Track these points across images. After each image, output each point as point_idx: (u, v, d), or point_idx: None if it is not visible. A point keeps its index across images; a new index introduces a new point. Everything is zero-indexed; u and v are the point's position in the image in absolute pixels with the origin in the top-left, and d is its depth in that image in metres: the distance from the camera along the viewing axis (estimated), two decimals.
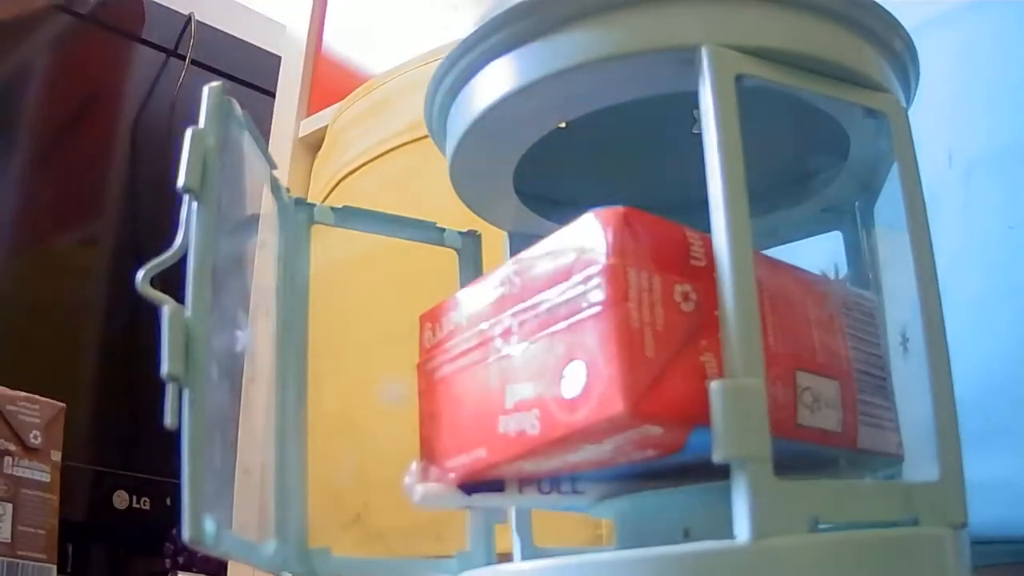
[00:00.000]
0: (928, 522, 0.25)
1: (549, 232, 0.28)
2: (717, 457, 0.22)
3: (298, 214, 0.37)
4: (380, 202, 0.48)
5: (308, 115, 0.84)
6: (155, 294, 0.26)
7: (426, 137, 0.36)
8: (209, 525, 0.25)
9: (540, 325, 0.26)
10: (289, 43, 0.90)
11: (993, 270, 0.42)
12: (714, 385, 0.23)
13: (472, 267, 0.38)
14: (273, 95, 0.88)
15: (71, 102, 1.07)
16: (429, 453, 0.30)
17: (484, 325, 0.28)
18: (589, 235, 0.25)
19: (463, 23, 0.73)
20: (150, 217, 1.04)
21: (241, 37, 1.18)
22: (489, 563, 0.34)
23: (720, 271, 0.24)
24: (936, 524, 0.25)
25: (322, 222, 0.37)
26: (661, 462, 0.26)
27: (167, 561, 0.91)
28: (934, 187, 0.45)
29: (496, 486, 0.29)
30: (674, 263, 0.25)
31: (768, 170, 0.35)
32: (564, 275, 0.26)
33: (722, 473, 0.23)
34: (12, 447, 0.68)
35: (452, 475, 0.29)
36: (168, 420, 0.25)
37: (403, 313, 0.33)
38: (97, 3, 1.08)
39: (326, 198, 0.77)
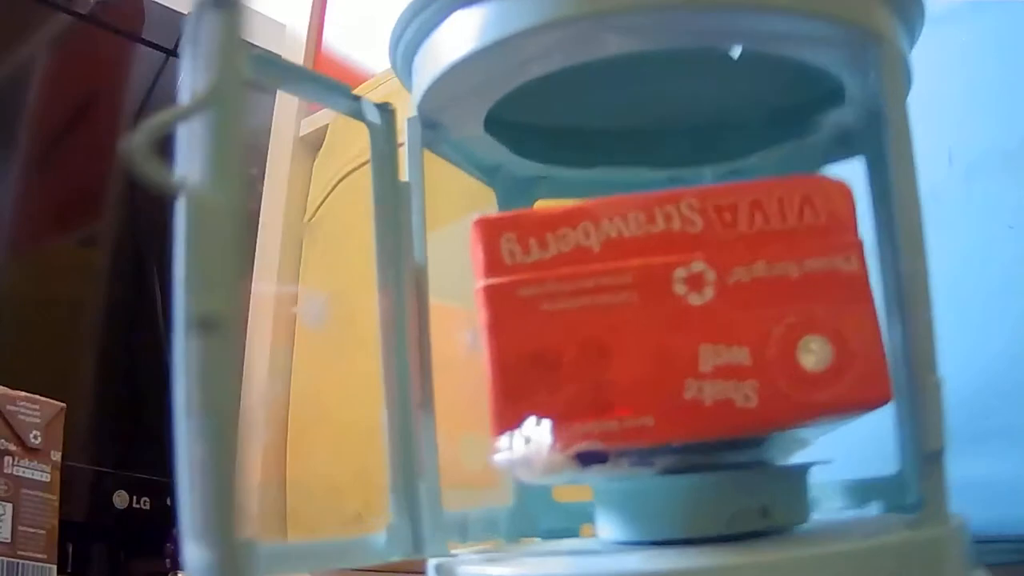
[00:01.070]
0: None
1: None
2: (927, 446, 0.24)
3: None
4: None
5: (308, 114, 0.84)
6: (158, 169, 0.20)
7: None
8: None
9: (762, 285, 0.23)
10: (289, 43, 0.90)
11: (993, 270, 0.42)
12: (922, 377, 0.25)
13: (386, 145, 0.33)
14: (273, 94, 0.88)
15: (71, 102, 1.07)
16: (525, 410, 0.24)
17: (650, 260, 0.24)
18: (834, 201, 0.24)
19: None
20: (150, 217, 1.04)
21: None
22: (418, 537, 0.30)
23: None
24: None
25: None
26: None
27: (167, 561, 0.91)
28: (934, 186, 0.45)
29: (601, 457, 0.24)
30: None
31: (771, 101, 0.34)
32: (798, 238, 0.24)
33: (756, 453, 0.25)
34: (12, 447, 0.68)
35: (591, 443, 0.23)
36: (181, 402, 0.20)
37: None
38: (97, 3, 1.08)
39: (327, 197, 0.77)
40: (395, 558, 0.30)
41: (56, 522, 0.72)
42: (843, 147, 0.33)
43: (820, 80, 0.30)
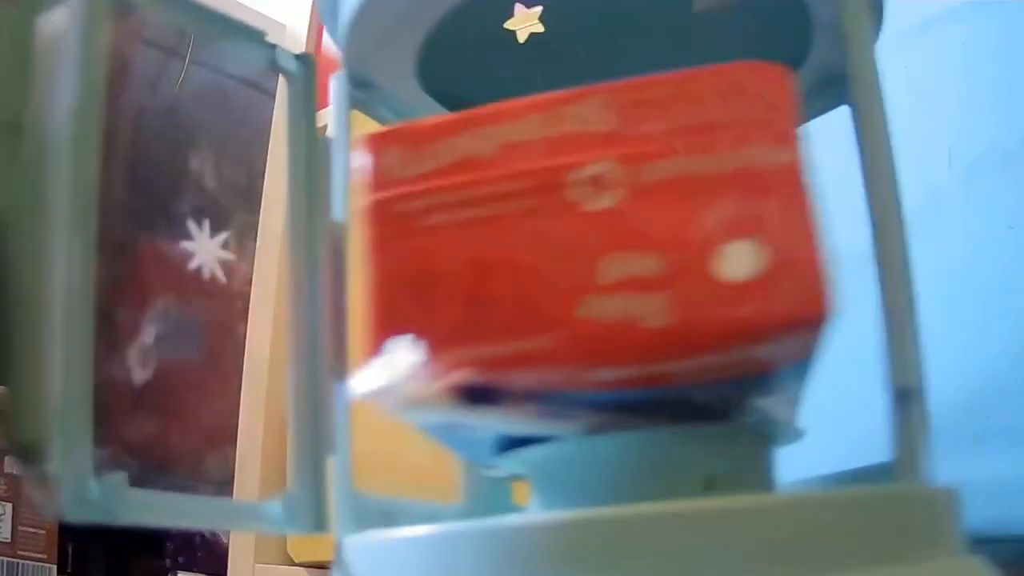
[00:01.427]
0: None
1: None
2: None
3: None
4: None
5: None
6: None
7: None
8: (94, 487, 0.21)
9: (678, 184, 0.20)
10: (289, 43, 0.90)
11: (993, 269, 0.42)
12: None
13: (305, 97, 0.31)
14: (274, 95, 0.88)
15: None
16: (395, 332, 0.21)
17: (542, 164, 0.21)
18: (764, 87, 0.21)
19: None
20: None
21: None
22: (320, 514, 0.28)
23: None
24: None
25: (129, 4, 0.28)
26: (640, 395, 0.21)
27: (167, 561, 0.91)
28: (934, 186, 0.45)
29: (492, 396, 0.20)
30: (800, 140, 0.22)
31: (741, 46, 0.34)
32: (714, 127, 0.20)
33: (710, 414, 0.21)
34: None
35: (459, 371, 0.20)
36: None
37: None
38: None
39: None
40: (293, 532, 0.28)
41: (56, 522, 0.72)
42: (827, 94, 0.30)
43: (789, 17, 0.27)
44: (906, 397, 0.23)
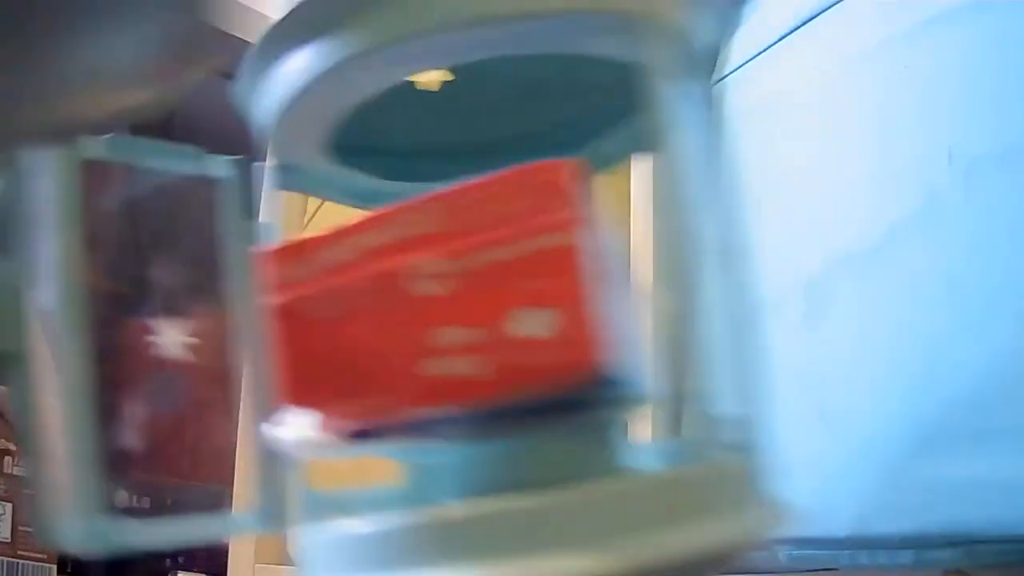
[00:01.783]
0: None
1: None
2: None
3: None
4: None
5: None
6: None
7: None
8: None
9: (483, 270, 0.26)
10: None
11: (992, 269, 0.42)
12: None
13: (241, 198, 0.36)
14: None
15: None
16: (300, 400, 0.29)
17: (388, 264, 0.28)
18: (549, 182, 0.26)
19: None
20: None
21: (242, 36, 1.18)
22: (279, 514, 0.34)
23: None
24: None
25: (95, 156, 0.35)
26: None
27: (167, 561, 0.91)
28: (934, 186, 0.45)
29: (381, 433, 0.28)
30: (593, 220, 0.27)
31: (579, 94, 0.36)
32: (510, 222, 0.26)
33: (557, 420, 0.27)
34: (12, 447, 0.68)
35: (346, 422, 0.28)
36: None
37: None
38: None
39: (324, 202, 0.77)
40: (261, 532, 0.33)
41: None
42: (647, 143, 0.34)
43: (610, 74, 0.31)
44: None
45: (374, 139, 0.37)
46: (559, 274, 0.26)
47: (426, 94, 0.36)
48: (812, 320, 0.49)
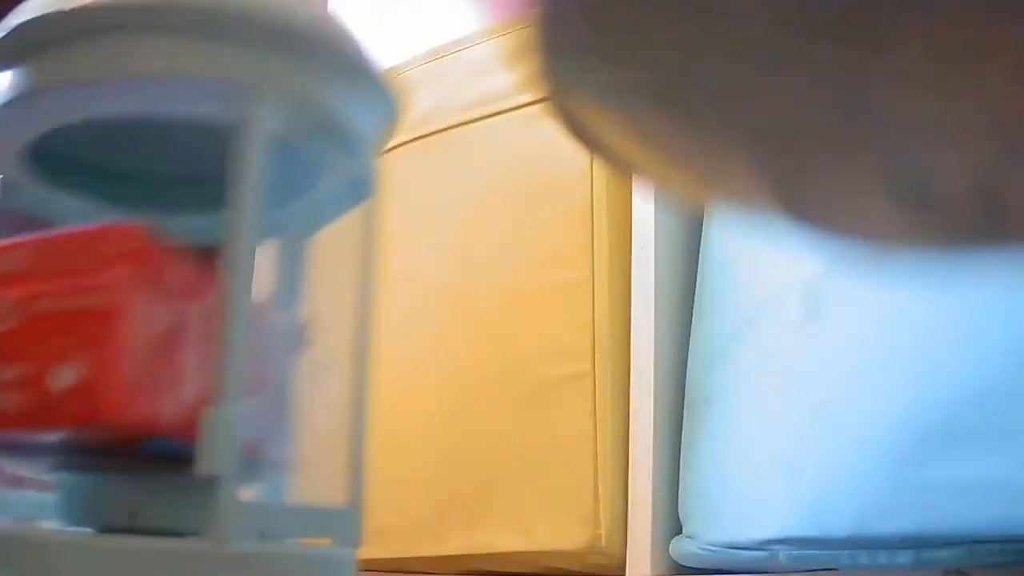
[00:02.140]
0: (339, 543, 0.31)
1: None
2: (200, 471, 0.27)
3: None
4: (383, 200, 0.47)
5: None
6: None
7: (430, 134, 0.36)
8: None
9: (39, 316, 0.29)
10: None
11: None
12: (206, 412, 0.27)
13: None
14: None
15: None
16: None
17: None
18: (105, 246, 0.28)
19: (465, 21, 0.73)
20: None
21: None
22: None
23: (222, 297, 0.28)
24: (344, 545, 0.31)
25: None
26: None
27: None
28: None
29: None
30: (167, 285, 0.29)
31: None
32: (72, 276, 0.29)
33: (163, 466, 0.29)
34: None
35: None
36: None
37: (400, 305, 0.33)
38: None
39: None
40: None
41: None
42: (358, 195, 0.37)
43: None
44: (210, 483, 0.28)
45: (85, 161, 0.37)
46: (91, 333, 0.28)
47: (131, 123, 0.36)
48: (812, 320, 0.49)
